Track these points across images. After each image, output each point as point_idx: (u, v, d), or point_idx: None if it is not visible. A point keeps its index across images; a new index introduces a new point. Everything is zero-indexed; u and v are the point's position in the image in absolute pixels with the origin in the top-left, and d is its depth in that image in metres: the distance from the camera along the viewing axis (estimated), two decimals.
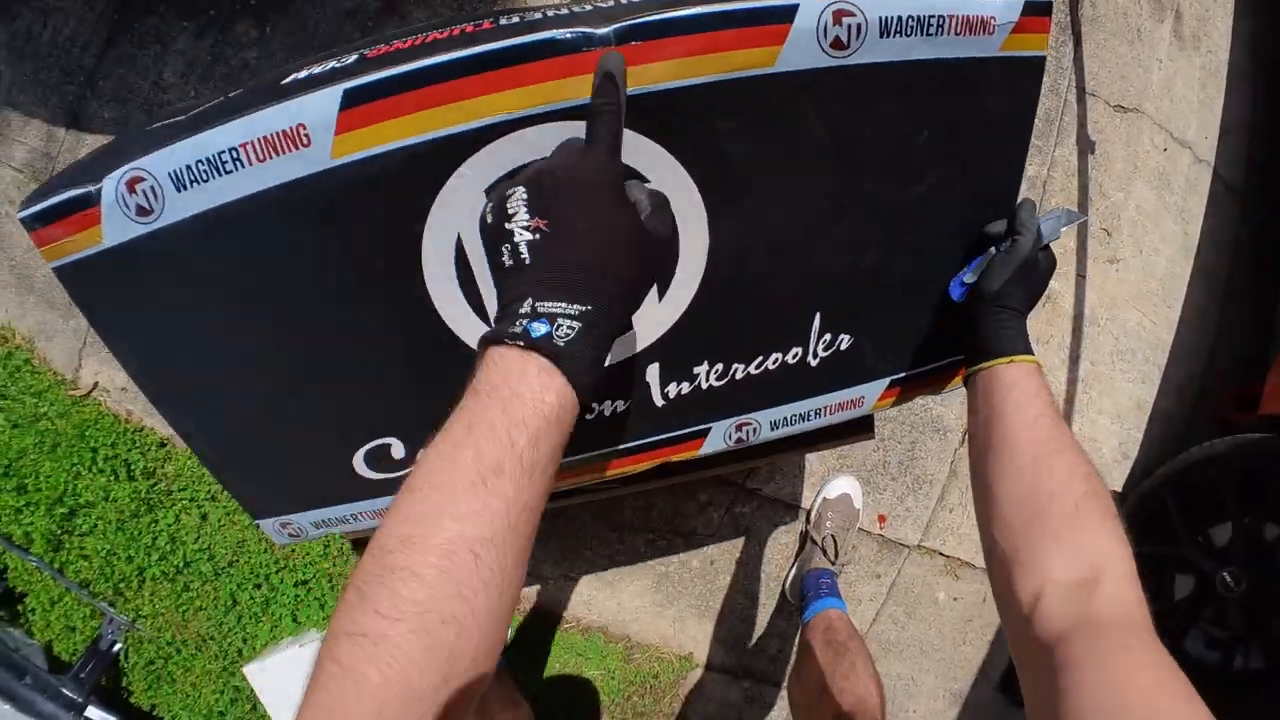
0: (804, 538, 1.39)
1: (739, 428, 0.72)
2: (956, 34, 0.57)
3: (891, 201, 0.63)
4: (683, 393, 0.68)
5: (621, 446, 0.70)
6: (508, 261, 0.39)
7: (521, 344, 0.36)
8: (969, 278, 0.67)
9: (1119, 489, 1.64)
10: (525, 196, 0.39)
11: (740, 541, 1.38)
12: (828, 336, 0.68)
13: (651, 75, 0.52)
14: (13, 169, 1.39)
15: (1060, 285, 1.56)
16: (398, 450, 0.67)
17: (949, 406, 1.47)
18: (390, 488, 0.69)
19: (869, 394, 0.74)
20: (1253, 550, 1.39)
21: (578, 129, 0.48)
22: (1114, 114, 1.63)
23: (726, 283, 0.63)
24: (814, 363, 0.69)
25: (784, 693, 1.46)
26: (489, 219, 0.41)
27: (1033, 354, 0.60)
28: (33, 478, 1.32)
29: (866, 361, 0.71)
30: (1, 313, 1.40)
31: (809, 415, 0.73)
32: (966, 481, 1.50)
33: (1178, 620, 1.47)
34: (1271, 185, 1.84)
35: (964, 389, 0.66)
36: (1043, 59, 0.62)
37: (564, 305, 0.38)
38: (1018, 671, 0.49)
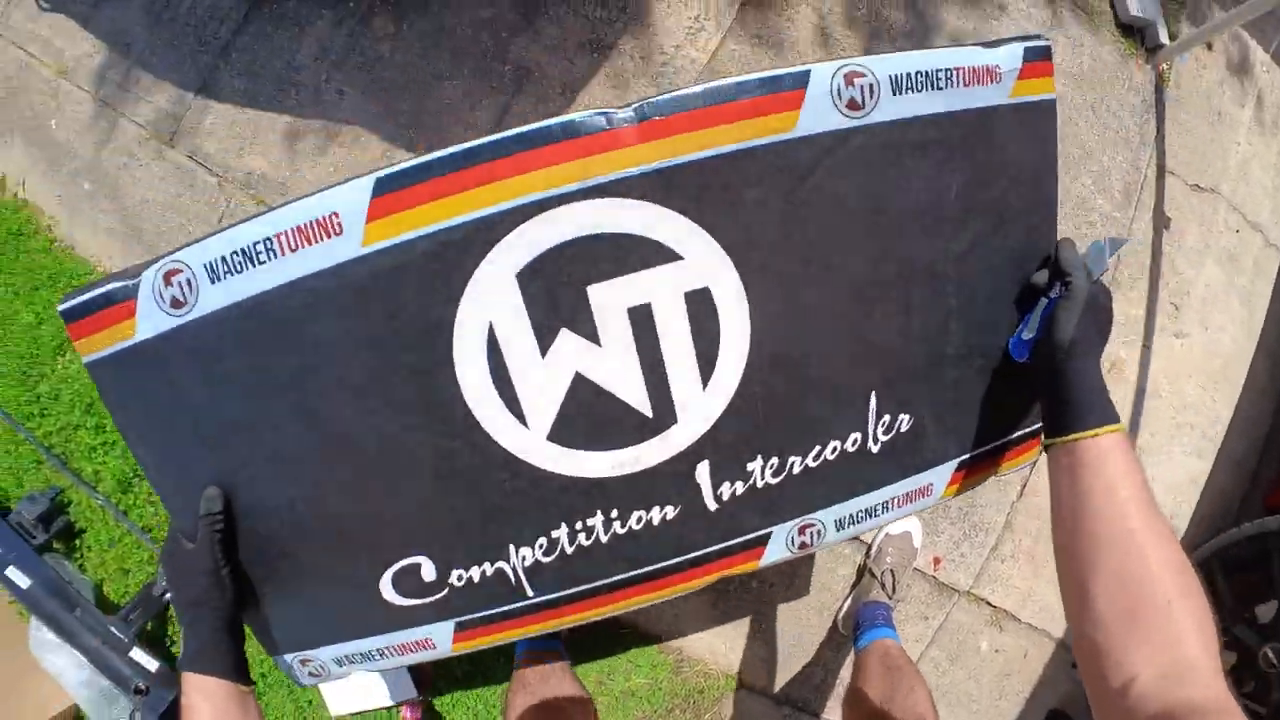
0: (862, 570, 1.43)
1: (802, 530, 0.67)
2: (965, 85, 0.59)
3: (931, 262, 0.62)
4: (737, 493, 0.63)
5: (673, 561, 0.65)
6: None
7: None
8: (1028, 334, 0.64)
9: None
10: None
11: (801, 568, 1.42)
12: (886, 418, 0.65)
13: (675, 148, 0.54)
14: (137, 124, 1.48)
15: (1126, 353, 1.62)
16: (428, 571, 0.62)
17: None
18: (418, 616, 0.64)
19: (937, 480, 0.70)
20: None
21: (601, 206, 0.54)
22: (1191, 192, 1.70)
23: (773, 363, 0.61)
24: (875, 449, 0.65)
25: None
26: None
27: (1117, 418, 0.57)
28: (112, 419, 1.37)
29: (930, 443, 0.68)
30: (109, 261, 1.47)
31: (876, 510, 0.69)
32: (1021, 533, 1.54)
33: None
34: None
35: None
36: (1053, 101, 0.62)
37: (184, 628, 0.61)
38: None
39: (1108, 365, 1.60)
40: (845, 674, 1.48)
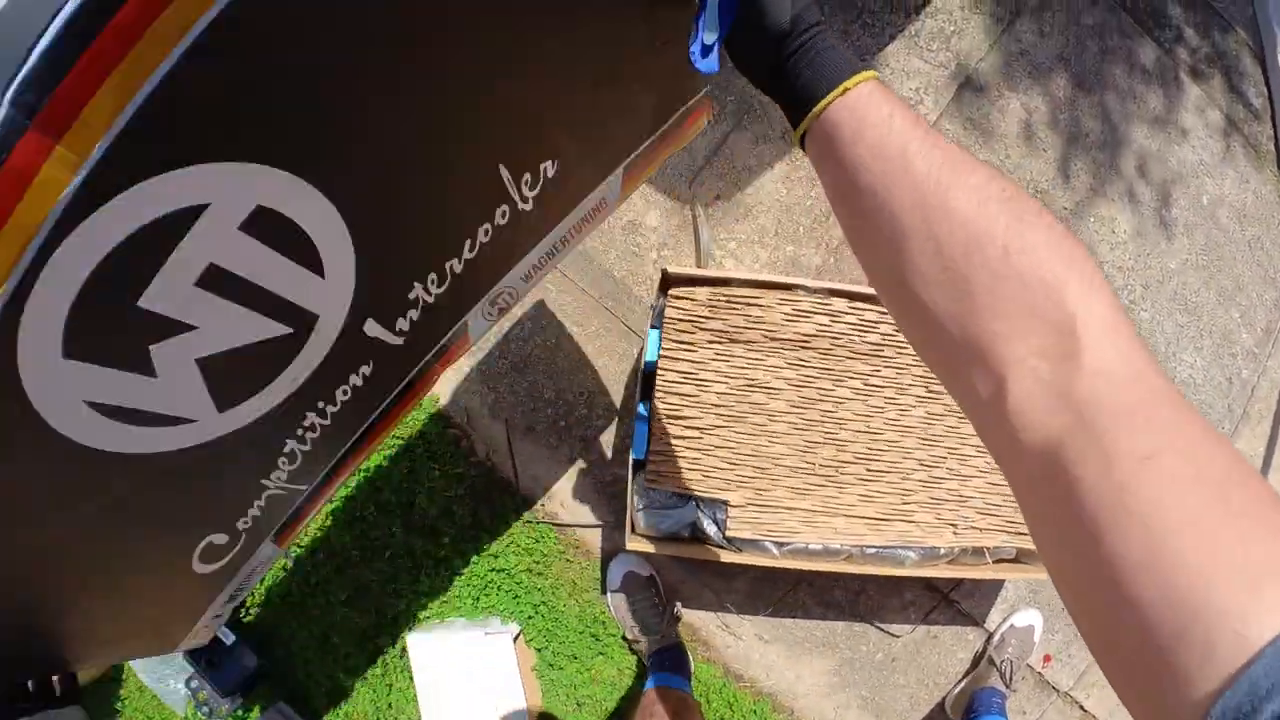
0: (979, 657, 1.43)
1: (494, 302, 0.68)
2: None
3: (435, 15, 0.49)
4: (415, 319, 0.61)
5: (394, 393, 0.66)
6: None
7: None
8: (710, 35, 0.49)
9: None
10: None
11: (925, 647, 1.41)
12: (527, 176, 0.59)
13: (111, 110, 0.35)
14: None
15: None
16: (219, 539, 0.64)
17: None
18: (234, 566, 0.67)
19: (609, 192, 0.67)
20: None
21: (85, 230, 0.38)
22: None
23: (381, 212, 0.53)
24: (529, 206, 0.61)
25: None
26: None
27: (861, 67, 0.42)
28: None
29: (586, 168, 0.63)
30: None
31: (556, 249, 0.68)
32: None
33: None
34: None
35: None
36: None
37: None
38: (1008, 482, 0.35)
39: None
40: None
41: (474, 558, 1.34)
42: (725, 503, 1.07)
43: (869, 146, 0.40)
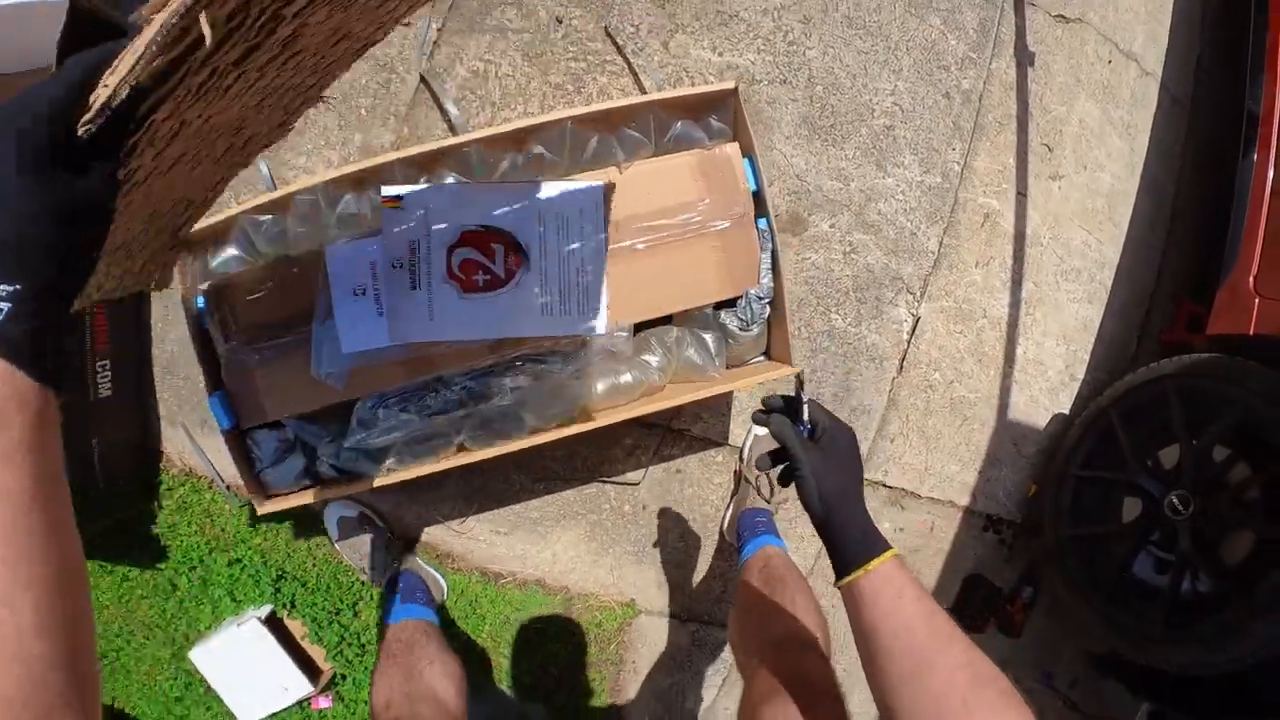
0: (738, 476, 1.22)
1: None
2: None
3: None
4: None
5: None
6: None
7: None
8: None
9: (1066, 411, 1.46)
10: None
11: (673, 484, 1.22)
12: None
13: None
14: None
15: (1000, 204, 1.35)
16: None
17: (884, 334, 1.28)
18: None
19: None
20: (1201, 473, 1.22)
21: None
22: (1055, 24, 1.40)
23: None
24: None
25: None
26: None
27: (884, 547, 0.55)
28: None
29: None
30: None
31: None
32: (907, 409, 1.32)
33: (1126, 543, 1.30)
34: (1220, 98, 1.60)
35: None
36: None
37: None
38: None
39: (981, 218, 1.34)
40: None
41: (209, 559, 1.18)
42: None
43: (883, 611, 0.54)
